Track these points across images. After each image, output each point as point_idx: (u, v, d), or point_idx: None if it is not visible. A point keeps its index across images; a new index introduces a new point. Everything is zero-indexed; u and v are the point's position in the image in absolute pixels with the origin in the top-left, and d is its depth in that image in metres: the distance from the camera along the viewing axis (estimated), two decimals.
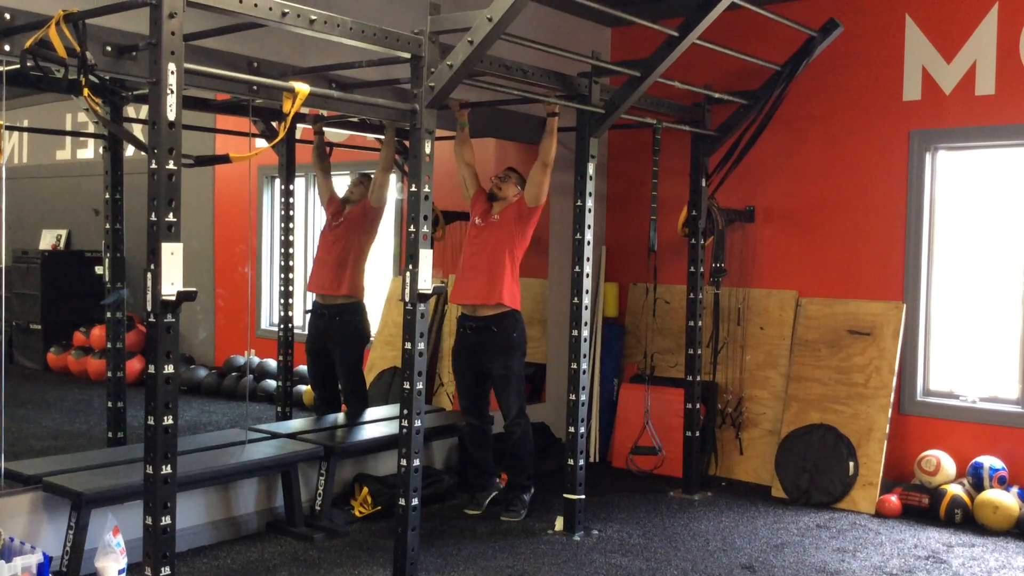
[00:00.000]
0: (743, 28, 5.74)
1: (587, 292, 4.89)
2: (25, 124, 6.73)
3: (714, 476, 6.14)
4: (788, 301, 6.08)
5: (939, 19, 5.55)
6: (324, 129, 5.74)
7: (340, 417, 5.61)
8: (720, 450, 6.19)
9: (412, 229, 4.04)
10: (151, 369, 3.08)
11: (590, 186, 4.85)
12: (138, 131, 5.40)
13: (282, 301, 5.82)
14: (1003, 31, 5.35)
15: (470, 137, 5.23)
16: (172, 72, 3.02)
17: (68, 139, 7.33)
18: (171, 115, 3.03)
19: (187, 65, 3.12)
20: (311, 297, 5.84)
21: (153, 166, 3.04)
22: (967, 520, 5.15)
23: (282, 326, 5.83)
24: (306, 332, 6.05)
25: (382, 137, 5.50)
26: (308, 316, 5.80)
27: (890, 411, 5.54)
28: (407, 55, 3.97)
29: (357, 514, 5.02)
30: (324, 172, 5.76)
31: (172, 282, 3.05)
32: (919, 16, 5.61)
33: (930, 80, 5.59)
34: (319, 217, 6.64)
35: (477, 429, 5.30)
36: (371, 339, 5.80)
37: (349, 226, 5.59)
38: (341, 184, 5.91)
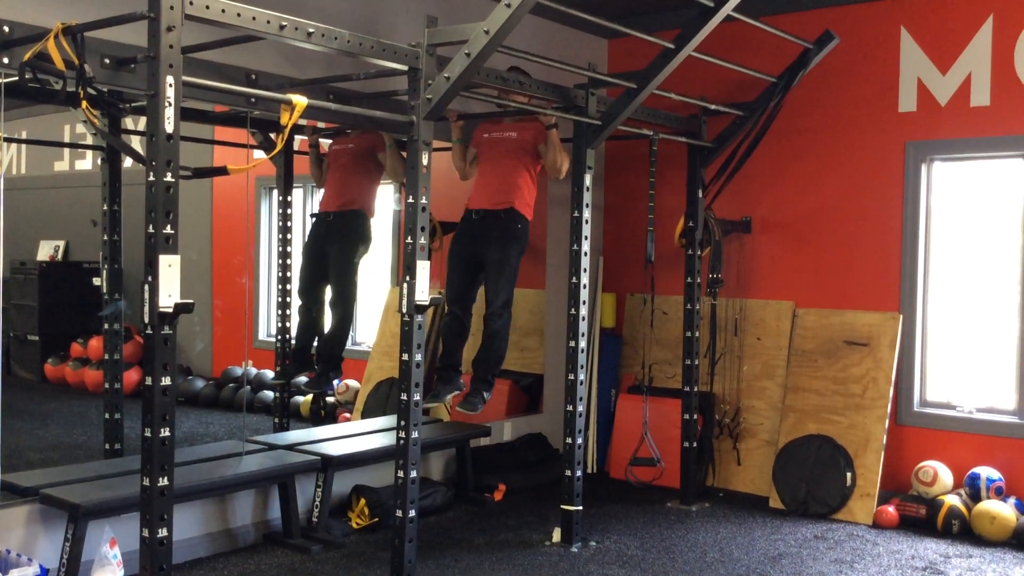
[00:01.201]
0: (739, 40, 5.76)
1: (584, 303, 4.90)
2: (24, 136, 6.74)
3: (712, 487, 6.14)
4: (785, 312, 6.09)
5: (934, 31, 5.58)
6: (320, 141, 5.75)
7: (338, 429, 5.60)
8: (718, 461, 6.19)
9: (409, 240, 4.05)
10: (148, 380, 3.08)
11: (587, 197, 4.86)
12: (136, 143, 5.42)
13: (280, 312, 5.82)
14: (998, 43, 5.38)
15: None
16: (170, 85, 3.04)
17: (66, 150, 7.34)
18: (169, 127, 3.04)
19: (185, 77, 3.13)
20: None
21: (151, 178, 3.05)
22: (964, 531, 5.15)
23: (280, 337, 5.83)
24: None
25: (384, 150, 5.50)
26: (312, 219, 5.65)
27: (887, 422, 5.54)
28: (404, 67, 3.99)
29: (354, 525, 5.02)
30: (320, 178, 5.74)
31: (170, 294, 3.05)
32: (914, 28, 5.64)
33: (925, 92, 5.61)
34: None
35: (457, 320, 5.15)
36: (368, 249, 5.61)
37: (357, 156, 5.49)
38: None
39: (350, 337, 6.63)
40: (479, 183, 5.12)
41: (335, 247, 5.47)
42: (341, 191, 5.49)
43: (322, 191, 5.73)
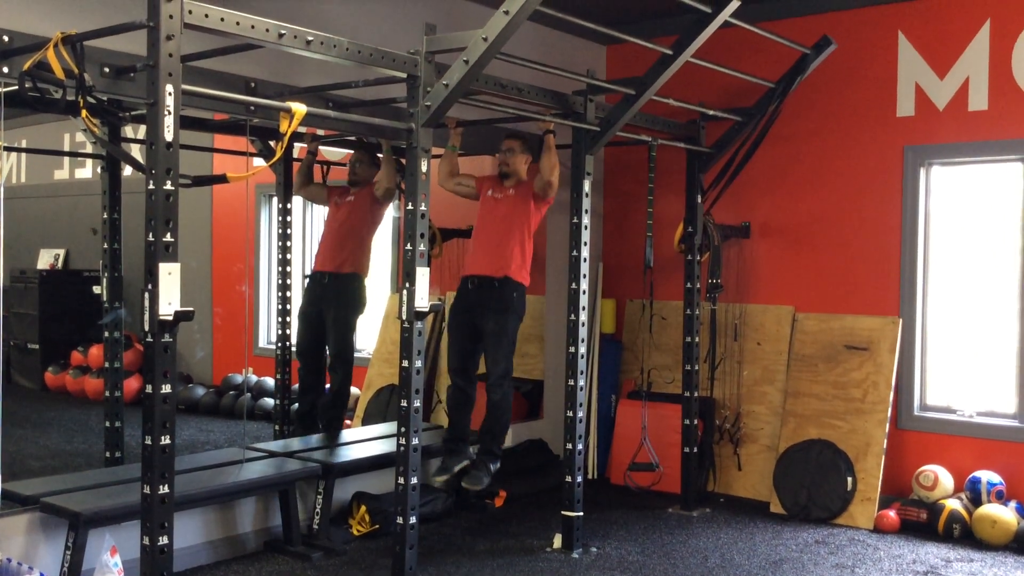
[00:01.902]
0: (737, 46, 5.77)
1: (584, 309, 4.90)
2: (24, 144, 6.76)
3: (712, 492, 6.13)
4: (785, 316, 6.09)
5: (932, 36, 5.59)
6: (320, 148, 5.74)
7: (339, 435, 5.60)
8: (718, 466, 6.18)
9: (409, 247, 4.06)
10: (149, 388, 3.09)
11: (586, 203, 4.87)
12: (136, 151, 5.43)
13: (280, 319, 5.82)
14: (995, 47, 5.39)
15: (465, 154, 5.24)
16: (170, 93, 3.05)
17: (66, 159, 7.36)
18: (169, 136, 3.05)
19: (185, 86, 3.14)
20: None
21: (151, 186, 3.06)
22: (965, 535, 5.14)
23: (280, 344, 5.83)
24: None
25: (380, 156, 5.51)
26: (306, 281, 5.70)
27: (887, 426, 5.54)
28: (403, 75, 4.01)
29: (355, 532, 5.01)
30: (305, 185, 5.70)
31: (170, 302, 3.06)
32: (912, 33, 5.66)
33: (923, 96, 5.62)
34: (317, 235, 6.66)
35: (461, 391, 5.17)
36: (364, 310, 5.68)
37: (356, 206, 5.54)
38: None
39: None
40: (476, 248, 5.15)
41: (331, 312, 5.53)
42: (337, 251, 5.54)
43: (298, 198, 5.79)
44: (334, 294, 5.52)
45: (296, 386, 5.83)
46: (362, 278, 5.63)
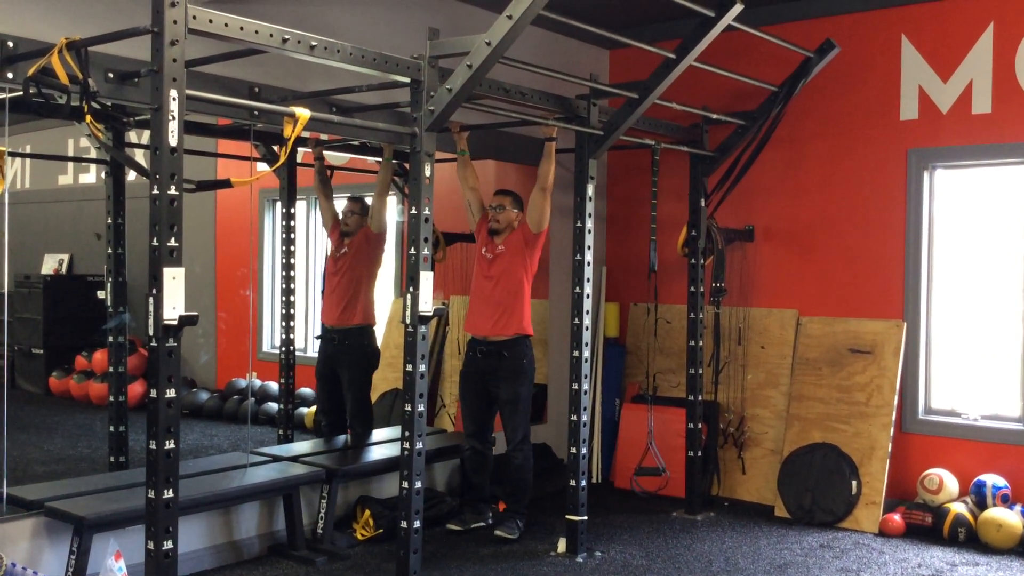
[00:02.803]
0: (740, 49, 5.78)
1: (588, 312, 4.90)
2: (28, 150, 6.77)
3: (717, 496, 6.12)
4: (789, 320, 6.08)
5: (935, 39, 5.59)
6: (324, 153, 5.75)
7: (341, 439, 5.60)
8: (722, 470, 6.18)
9: (412, 251, 4.06)
10: (153, 393, 3.09)
11: (590, 207, 4.87)
12: (140, 156, 5.44)
13: (283, 324, 5.83)
14: (999, 50, 5.39)
15: (470, 160, 5.25)
16: (174, 98, 3.05)
17: (70, 164, 7.37)
18: (173, 141, 3.06)
19: (189, 91, 3.15)
20: (320, 327, 5.83)
21: (155, 191, 3.07)
22: (971, 539, 5.13)
23: (283, 349, 5.84)
24: (312, 355, 6.04)
25: (381, 159, 5.52)
26: (319, 341, 5.79)
27: (892, 429, 5.53)
28: (407, 79, 4.01)
29: (359, 537, 5.01)
30: (326, 196, 5.77)
31: (174, 306, 3.06)
32: (915, 36, 5.65)
33: (927, 99, 5.62)
34: (320, 240, 6.67)
35: (479, 454, 5.29)
36: (378, 363, 5.77)
37: (353, 257, 5.57)
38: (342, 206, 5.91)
39: None
40: (477, 307, 5.18)
41: (346, 373, 5.58)
42: (342, 305, 5.56)
43: (301, 203, 5.80)
44: (346, 353, 5.57)
45: (301, 391, 5.85)
46: (371, 329, 5.68)
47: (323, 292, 5.77)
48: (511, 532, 5.09)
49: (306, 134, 4.96)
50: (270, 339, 6.86)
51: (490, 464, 5.33)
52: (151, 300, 3.07)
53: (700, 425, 5.82)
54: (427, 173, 4.05)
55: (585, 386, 4.89)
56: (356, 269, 5.57)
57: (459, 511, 5.35)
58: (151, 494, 3.11)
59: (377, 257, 5.66)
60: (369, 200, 5.60)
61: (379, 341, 5.83)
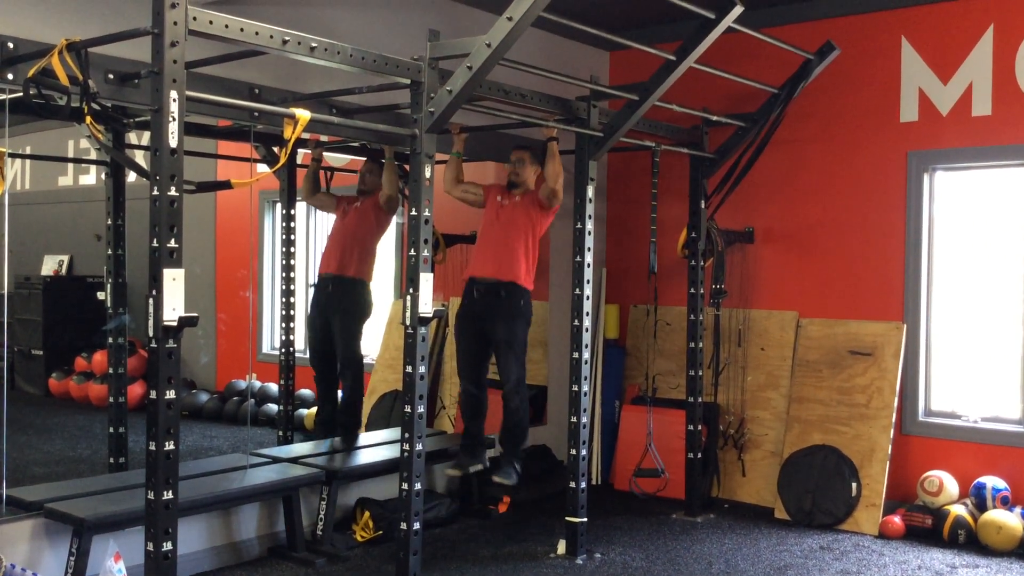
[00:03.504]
0: (740, 51, 5.77)
1: (588, 314, 4.90)
2: (28, 151, 6.77)
3: (717, 498, 6.12)
4: (789, 322, 6.08)
5: (935, 41, 5.59)
6: (324, 155, 5.75)
7: (341, 441, 5.60)
8: (722, 472, 6.17)
9: (412, 253, 4.06)
10: (152, 394, 3.09)
11: (590, 209, 4.87)
12: (140, 157, 5.44)
13: (283, 325, 5.83)
14: (998, 52, 5.39)
15: (469, 160, 5.25)
16: (174, 100, 3.05)
17: (70, 165, 7.36)
18: (173, 142, 3.06)
19: (189, 92, 3.15)
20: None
21: (155, 192, 3.07)
22: (971, 541, 5.13)
23: (283, 350, 5.83)
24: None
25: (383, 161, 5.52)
26: (312, 290, 5.75)
27: (892, 431, 5.53)
28: (407, 81, 4.01)
29: (359, 538, 5.01)
30: (310, 192, 5.74)
31: (174, 307, 3.06)
32: (915, 38, 5.65)
33: (927, 101, 5.62)
34: (320, 242, 6.67)
35: (473, 397, 5.22)
36: (369, 315, 5.76)
37: (362, 214, 5.60)
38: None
39: None
40: (481, 250, 5.18)
41: (337, 320, 5.59)
42: (341, 256, 5.60)
43: (302, 204, 5.88)
44: (338, 302, 5.58)
45: (301, 392, 5.87)
46: (366, 283, 5.68)
47: (326, 246, 5.77)
48: (508, 478, 5.06)
49: (306, 135, 4.97)
50: (270, 340, 6.85)
51: (485, 407, 5.25)
52: (151, 301, 3.07)
53: (700, 427, 5.82)
54: (427, 175, 4.05)
55: (585, 388, 4.89)
56: (362, 227, 5.59)
57: (456, 456, 5.30)
58: (151, 495, 3.11)
59: (384, 223, 5.68)
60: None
61: (375, 348, 5.83)
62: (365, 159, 5.78)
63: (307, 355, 6.52)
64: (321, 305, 5.66)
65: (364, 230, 5.62)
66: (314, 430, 6.03)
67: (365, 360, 5.89)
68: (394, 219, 5.93)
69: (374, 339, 6.89)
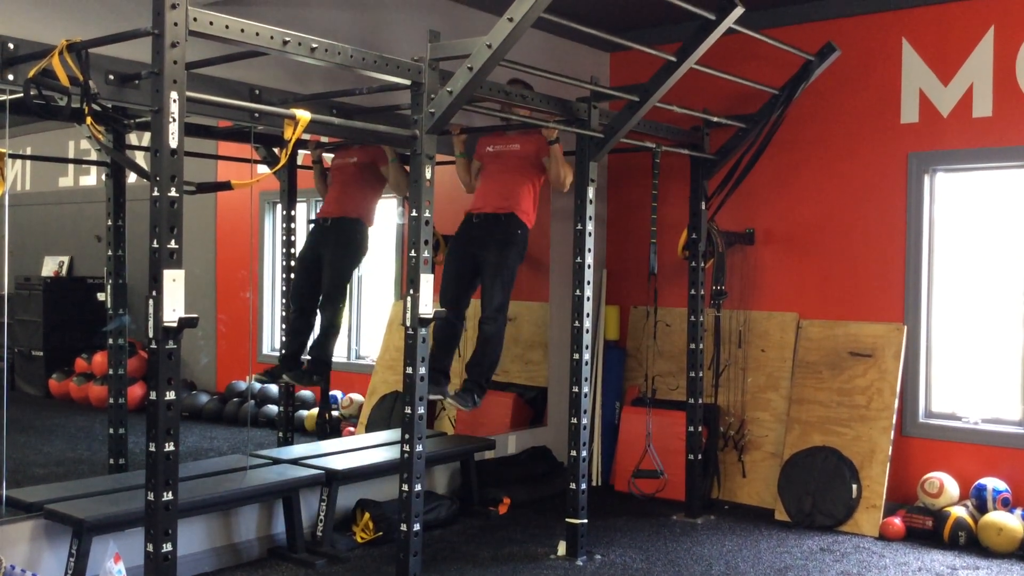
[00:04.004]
0: (741, 52, 5.78)
1: (588, 315, 4.89)
2: (28, 152, 6.77)
3: (717, 499, 6.12)
4: (789, 323, 6.08)
5: (936, 42, 5.59)
6: (323, 156, 5.76)
7: (342, 443, 5.59)
8: (722, 473, 6.17)
9: (413, 254, 4.05)
10: (152, 395, 3.09)
11: (590, 210, 4.87)
12: (140, 158, 5.44)
13: (284, 326, 5.82)
14: (999, 53, 5.39)
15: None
16: (174, 100, 3.05)
17: (70, 166, 7.36)
18: (173, 143, 3.06)
19: (189, 93, 3.15)
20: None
21: (155, 193, 3.06)
22: (971, 542, 5.13)
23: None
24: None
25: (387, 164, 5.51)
26: (309, 227, 5.65)
27: (892, 433, 5.52)
28: (407, 82, 4.01)
29: (359, 540, 5.01)
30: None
31: (174, 308, 3.06)
32: (916, 39, 5.65)
33: (927, 103, 5.62)
34: None
35: (449, 324, 5.06)
36: (364, 256, 5.65)
37: (364, 165, 5.51)
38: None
39: (353, 351, 6.63)
40: (481, 190, 5.14)
41: (330, 252, 5.46)
42: (341, 201, 5.52)
43: (302, 205, 5.81)
44: (334, 238, 5.46)
45: (301, 394, 5.83)
46: (365, 225, 5.56)
47: (327, 193, 5.67)
48: (465, 404, 4.91)
49: (306, 136, 4.97)
50: (270, 341, 6.84)
51: (458, 337, 5.13)
52: (151, 302, 3.07)
53: (700, 428, 5.82)
54: (428, 175, 4.05)
55: (585, 389, 4.89)
56: (364, 174, 5.50)
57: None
58: (151, 496, 3.11)
59: (381, 184, 5.56)
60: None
61: (376, 328, 5.64)
62: None
63: (306, 357, 6.51)
64: (315, 241, 5.51)
65: (364, 180, 5.47)
66: (277, 365, 5.75)
67: (365, 360, 5.88)
68: (395, 220, 5.93)
69: (374, 340, 6.88)
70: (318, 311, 5.58)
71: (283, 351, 5.78)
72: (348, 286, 5.63)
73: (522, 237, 5.02)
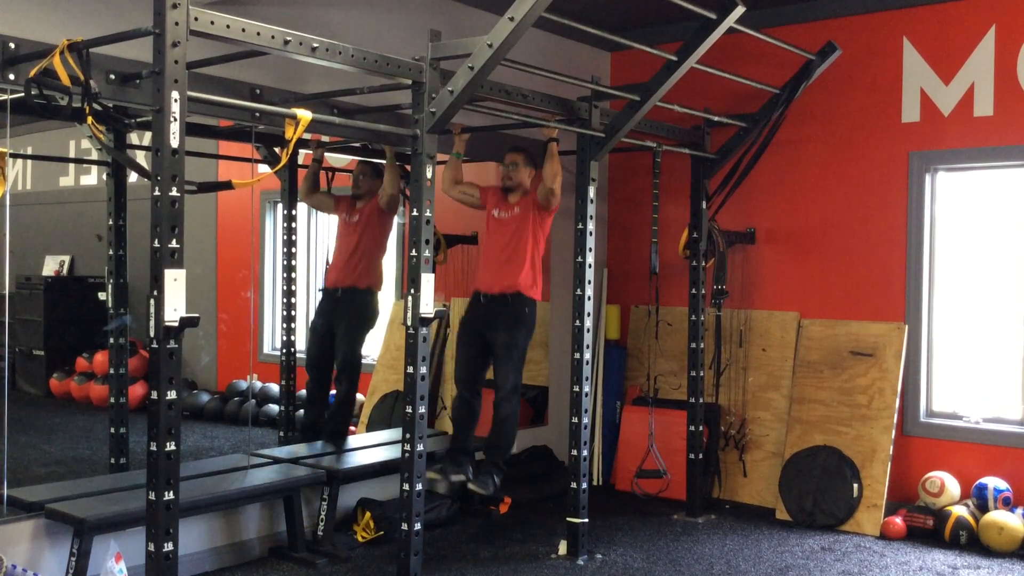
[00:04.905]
0: (742, 52, 5.77)
1: (589, 315, 4.90)
2: (29, 151, 6.77)
3: (718, 499, 6.12)
4: (790, 322, 6.08)
5: (937, 41, 5.59)
6: (325, 155, 5.74)
7: (344, 441, 5.59)
8: (724, 472, 6.17)
9: (414, 253, 4.06)
10: (153, 395, 3.09)
11: (591, 209, 4.87)
12: (141, 158, 5.44)
13: (284, 326, 5.83)
14: (1000, 53, 5.38)
15: (470, 160, 5.24)
16: (175, 100, 3.05)
17: (71, 166, 7.37)
18: (174, 142, 3.06)
19: (190, 93, 3.15)
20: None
21: (157, 193, 3.07)
22: (972, 542, 5.12)
23: (284, 351, 5.83)
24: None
25: (383, 162, 5.51)
26: (319, 295, 5.71)
27: (893, 432, 5.52)
28: (408, 81, 4.01)
29: (360, 539, 5.01)
30: (308, 192, 5.68)
31: (175, 308, 3.06)
32: (917, 38, 5.65)
33: (928, 102, 5.62)
34: (321, 243, 6.67)
35: (467, 403, 5.15)
36: (375, 324, 5.72)
37: (365, 222, 5.55)
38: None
39: None
40: (486, 266, 5.14)
41: (342, 324, 5.53)
42: (349, 268, 5.55)
43: (303, 205, 5.82)
44: (346, 307, 5.53)
45: (302, 392, 5.84)
46: (375, 292, 5.64)
47: (332, 256, 5.72)
48: (484, 487, 4.95)
49: (307, 136, 4.97)
50: (271, 341, 6.85)
51: (477, 416, 5.18)
52: (152, 302, 3.07)
53: (701, 427, 5.82)
54: (428, 175, 4.05)
55: (586, 388, 4.89)
56: (366, 237, 5.54)
57: (440, 460, 5.18)
58: (152, 496, 3.11)
59: (387, 225, 5.63)
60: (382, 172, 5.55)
61: (376, 352, 5.77)
62: (358, 161, 5.72)
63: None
64: (327, 310, 5.60)
65: (369, 239, 5.55)
66: (299, 435, 5.89)
67: (365, 361, 5.88)
68: (396, 219, 5.93)
69: (375, 340, 6.89)
70: (334, 381, 5.66)
71: (303, 420, 5.86)
72: (361, 355, 5.73)
73: (530, 315, 5.07)
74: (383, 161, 5.43)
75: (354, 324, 5.56)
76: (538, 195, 5.03)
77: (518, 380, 5.09)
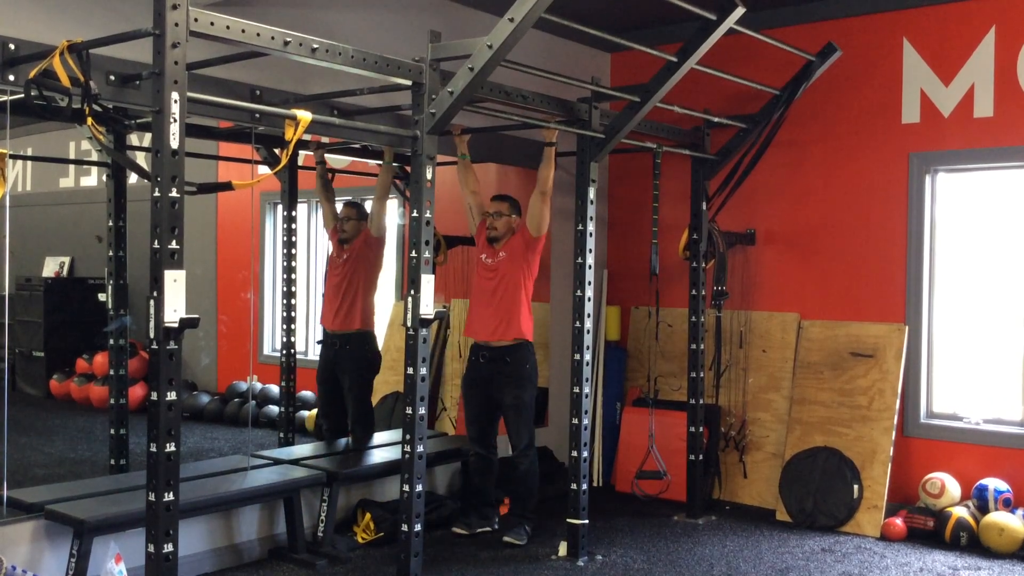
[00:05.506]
0: (742, 53, 5.77)
1: (589, 316, 4.89)
2: (29, 152, 6.77)
3: (718, 500, 6.12)
4: (790, 323, 6.08)
5: (937, 42, 5.58)
6: (326, 156, 5.75)
7: (342, 442, 5.59)
8: (724, 473, 6.17)
9: (414, 254, 4.05)
10: (153, 396, 3.09)
11: (591, 210, 4.87)
12: (141, 159, 5.44)
13: (284, 327, 5.83)
14: (1000, 54, 5.38)
15: (471, 163, 5.25)
16: (175, 101, 3.05)
17: (71, 167, 7.37)
18: (174, 143, 3.06)
19: (190, 94, 3.15)
20: (320, 330, 5.82)
21: (156, 194, 3.06)
22: (973, 543, 5.12)
23: (284, 352, 5.83)
24: (312, 359, 6.00)
25: (382, 163, 5.52)
26: (320, 347, 5.78)
27: (894, 433, 5.52)
28: (408, 82, 4.01)
29: (360, 540, 5.00)
30: (328, 199, 5.76)
31: (175, 309, 3.06)
32: (917, 39, 5.65)
33: (928, 103, 5.61)
34: (321, 243, 6.67)
35: (483, 459, 5.28)
36: (379, 368, 5.77)
37: (354, 262, 5.56)
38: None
39: None
40: (478, 312, 5.15)
41: (347, 378, 5.57)
42: (342, 310, 5.55)
43: (302, 206, 5.82)
44: (348, 359, 5.56)
45: (302, 394, 5.86)
46: (372, 334, 5.67)
47: (324, 295, 5.77)
48: (519, 538, 5.07)
49: (307, 137, 4.98)
50: (271, 342, 6.85)
51: (495, 469, 5.31)
52: (152, 303, 3.07)
53: (701, 429, 5.81)
54: (428, 176, 4.05)
55: (586, 389, 4.89)
56: (356, 274, 5.55)
57: (464, 515, 5.33)
58: (152, 497, 3.11)
59: (377, 261, 5.64)
60: (368, 205, 5.59)
61: (380, 347, 5.82)
62: (344, 203, 5.70)
63: (307, 356, 6.53)
64: (329, 362, 5.63)
65: (357, 279, 5.55)
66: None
67: None
68: (396, 220, 5.93)
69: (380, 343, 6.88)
70: (349, 432, 5.70)
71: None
72: (371, 400, 5.81)
73: (531, 369, 5.13)
74: (380, 162, 5.43)
75: (357, 376, 5.61)
76: (528, 225, 5.06)
77: (532, 435, 5.19)
